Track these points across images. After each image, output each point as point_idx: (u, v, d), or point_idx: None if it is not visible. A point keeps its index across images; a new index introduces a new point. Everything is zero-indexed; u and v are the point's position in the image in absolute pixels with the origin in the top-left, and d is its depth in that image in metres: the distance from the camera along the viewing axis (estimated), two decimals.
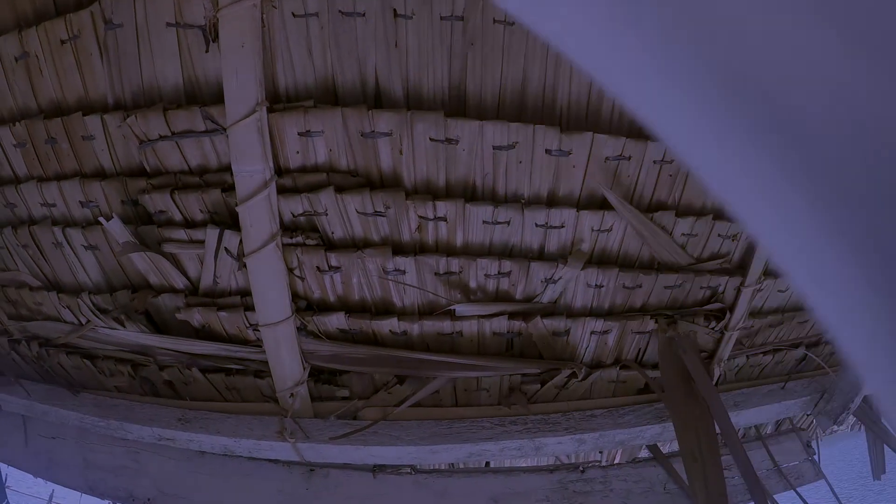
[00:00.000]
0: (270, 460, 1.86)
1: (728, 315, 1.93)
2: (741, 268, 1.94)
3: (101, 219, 1.72)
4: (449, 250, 1.62)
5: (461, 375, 1.72)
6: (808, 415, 2.43)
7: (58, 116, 1.79)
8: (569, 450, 1.81)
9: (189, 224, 1.68)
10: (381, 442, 1.71)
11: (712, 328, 1.93)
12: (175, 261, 1.72)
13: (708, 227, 1.82)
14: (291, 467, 1.85)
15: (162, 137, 1.64)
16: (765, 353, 2.17)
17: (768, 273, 2.00)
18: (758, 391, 2.14)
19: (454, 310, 1.65)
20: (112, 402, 1.99)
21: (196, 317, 1.74)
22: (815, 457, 2.44)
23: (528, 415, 1.77)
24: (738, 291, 1.93)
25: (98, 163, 1.78)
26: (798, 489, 2.35)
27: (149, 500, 1.93)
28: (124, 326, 1.84)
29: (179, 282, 1.75)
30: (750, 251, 1.92)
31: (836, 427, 2.48)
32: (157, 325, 1.84)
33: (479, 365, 1.70)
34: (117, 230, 1.72)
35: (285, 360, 1.69)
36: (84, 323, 1.93)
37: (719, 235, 1.86)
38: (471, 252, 1.63)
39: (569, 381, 1.79)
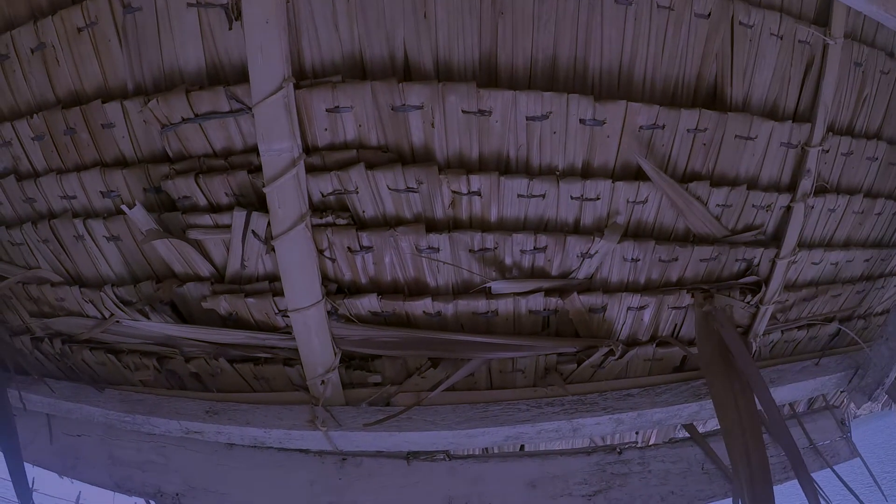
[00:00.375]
0: (301, 450, 1.78)
1: (763, 288, 1.85)
2: (776, 239, 1.86)
3: (123, 207, 1.65)
4: (483, 226, 1.54)
5: (497, 356, 1.63)
6: (842, 391, 2.35)
7: (76, 106, 1.72)
8: (606, 430, 1.72)
9: (214, 209, 1.61)
10: (415, 427, 1.63)
11: (748, 302, 1.85)
12: (200, 247, 1.65)
13: (742, 197, 1.74)
14: (323, 457, 1.77)
15: (185, 120, 1.57)
16: (799, 328, 2.08)
17: (802, 244, 1.93)
18: (792, 368, 2.05)
19: (490, 287, 1.57)
20: (138, 397, 1.91)
21: (223, 304, 1.66)
22: (850, 435, 2.35)
23: (565, 395, 1.68)
24: (773, 263, 1.85)
25: (119, 151, 1.70)
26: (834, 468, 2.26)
27: (177, 495, 1.85)
28: (149, 318, 1.76)
29: (205, 269, 1.67)
30: (784, 222, 1.84)
31: (868, 403, 2.40)
32: (183, 315, 1.76)
33: (516, 345, 1.62)
34: (140, 218, 1.64)
35: (316, 345, 1.61)
36: (108, 317, 1.85)
37: (753, 206, 1.78)
38: (506, 227, 1.55)
39: (605, 360, 1.71)
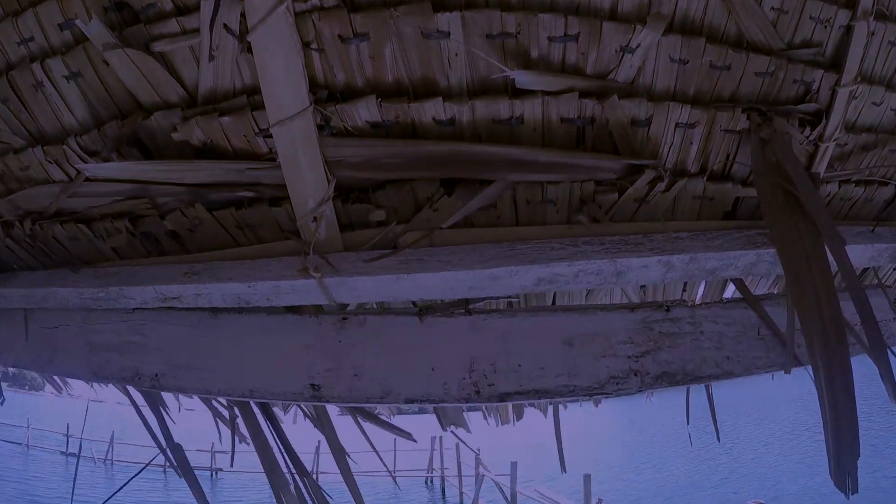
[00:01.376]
0: (294, 311, 1.38)
1: (824, 120, 1.44)
2: (835, 66, 1.45)
3: (77, 21, 1.26)
4: (503, 4, 1.14)
5: (523, 178, 1.22)
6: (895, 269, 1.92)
7: None
8: (654, 276, 1.31)
9: (181, 11, 1.22)
10: (427, 268, 1.22)
11: (807, 137, 1.44)
12: (167, 64, 1.26)
13: (799, 3, 1.34)
14: (320, 318, 1.36)
15: None
16: (856, 184, 1.66)
17: (863, 77, 1.52)
18: (850, 230, 1.63)
19: (513, 80, 1.16)
20: (112, 270, 1.51)
21: (196, 132, 1.26)
22: None
23: (606, 234, 1.27)
24: (833, 92, 1.43)
25: None
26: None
27: (156, 376, 1.45)
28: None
29: (174, 93, 1.28)
30: (843, 45, 1.44)
31: None
32: (153, 156, 1.37)
33: (546, 162, 1.21)
34: (98, 33, 1.25)
35: (305, 170, 1.21)
36: (74, 176, 1.46)
37: (811, 18, 1.37)
38: (529, 7, 1.15)
39: (651, 190, 1.30)
